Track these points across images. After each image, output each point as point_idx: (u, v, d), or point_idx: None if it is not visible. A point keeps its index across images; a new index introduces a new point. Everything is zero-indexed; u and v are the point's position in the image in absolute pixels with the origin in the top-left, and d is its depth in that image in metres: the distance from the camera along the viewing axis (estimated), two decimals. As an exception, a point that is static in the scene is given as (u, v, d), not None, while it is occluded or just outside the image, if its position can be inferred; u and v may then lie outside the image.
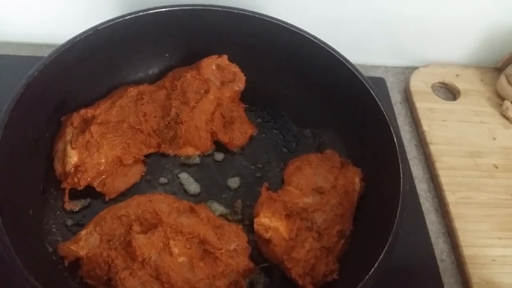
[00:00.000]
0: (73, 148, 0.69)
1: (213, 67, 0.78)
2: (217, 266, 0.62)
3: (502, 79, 0.93)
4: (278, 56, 0.80)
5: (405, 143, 0.87)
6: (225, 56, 0.78)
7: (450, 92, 0.97)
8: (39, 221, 0.67)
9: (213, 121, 0.75)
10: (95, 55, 0.74)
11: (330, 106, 0.78)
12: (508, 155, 0.85)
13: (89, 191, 0.69)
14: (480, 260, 0.73)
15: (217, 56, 0.78)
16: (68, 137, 0.70)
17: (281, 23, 0.77)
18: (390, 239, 0.57)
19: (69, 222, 0.68)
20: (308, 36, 0.76)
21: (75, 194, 0.69)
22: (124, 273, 0.60)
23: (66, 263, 0.63)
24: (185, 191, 0.72)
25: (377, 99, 0.69)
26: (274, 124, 0.82)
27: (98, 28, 0.72)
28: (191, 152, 0.75)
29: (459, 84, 0.96)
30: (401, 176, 0.61)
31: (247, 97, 0.81)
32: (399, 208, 0.59)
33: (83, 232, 0.64)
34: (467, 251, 0.73)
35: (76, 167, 0.68)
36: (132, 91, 0.75)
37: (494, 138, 0.88)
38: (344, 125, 0.77)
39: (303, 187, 0.67)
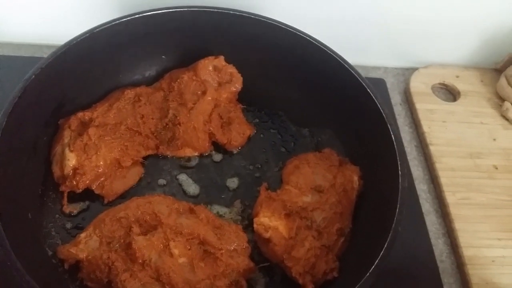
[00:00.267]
0: (71, 151, 0.73)
1: (210, 68, 0.83)
2: (217, 266, 0.66)
3: (502, 80, 1.00)
4: (275, 56, 0.85)
5: (405, 144, 0.93)
6: (222, 57, 0.84)
7: (450, 93, 1.03)
8: (38, 225, 0.71)
9: (210, 122, 0.80)
10: (92, 58, 0.79)
11: (327, 105, 0.84)
12: (508, 156, 0.92)
13: (88, 194, 0.74)
14: (479, 260, 0.78)
15: (213, 57, 0.84)
16: (66, 140, 0.75)
17: (276, 23, 0.82)
18: (389, 237, 0.62)
19: (68, 225, 0.72)
20: (303, 36, 0.81)
21: (74, 197, 0.74)
22: (125, 275, 0.64)
23: (66, 266, 0.67)
24: (184, 192, 0.78)
25: (373, 96, 0.74)
26: (272, 124, 0.87)
27: (95, 31, 0.77)
28: (189, 153, 0.80)
29: (459, 85, 1.02)
30: (400, 173, 0.66)
31: (245, 98, 0.86)
32: (398, 205, 0.64)
33: (83, 235, 0.68)
34: (467, 252, 0.79)
35: (75, 170, 0.73)
36: (129, 93, 0.81)
37: (494, 139, 0.94)
38: (341, 123, 0.82)
39: (302, 186, 0.72)
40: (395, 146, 0.69)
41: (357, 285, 0.59)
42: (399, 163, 0.67)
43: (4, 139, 0.66)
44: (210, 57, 0.84)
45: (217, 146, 0.83)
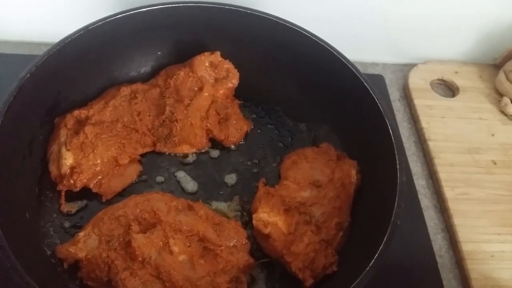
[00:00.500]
0: (68, 150, 0.77)
1: (206, 64, 0.87)
2: (217, 263, 0.70)
3: (501, 76, 1.06)
4: (271, 51, 0.90)
5: (404, 140, 0.99)
6: (218, 53, 0.88)
7: (449, 89, 1.09)
8: (36, 224, 0.75)
9: (208, 118, 0.85)
10: (87, 55, 0.82)
11: (324, 100, 0.88)
12: (507, 151, 0.97)
13: (86, 192, 0.78)
14: (478, 255, 0.83)
15: (210, 53, 0.88)
16: (62, 139, 0.79)
17: (272, 18, 0.86)
18: (388, 230, 0.65)
19: (67, 224, 0.76)
20: (300, 30, 0.85)
21: (71, 196, 0.78)
22: (125, 273, 0.67)
23: (65, 266, 0.71)
24: (183, 189, 0.82)
25: (370, 90, 0.78)
26: (269, 120, 0.92)
27: (89, 28, 0.80)
28: (186, 150, 0.85)
29: (458, 81, 1.08)
30: (398, 167, 0.70)
31: (241, 93, 0.91)
32: (396, 199, 0.68)
33: (81, 234, 0.72)
34: (466, 247, 0.84)
35: (72, 168, 0.76)
36: (125, 90, 0.85)
37: (493, 135, 1.00)
38: (338, 118, 0.87)
39: (300, 181, 0.77)
40: (393, 140, 0.73)
41: (358, 279, 0.62)
42: (397, 156, 0.71)
43: (0, 139, 0.69)
44: (206, 53, 0.88)
45: (215, 142, 0.87)
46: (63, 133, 0.80)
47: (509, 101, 1.03)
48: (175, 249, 0.70)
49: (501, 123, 1.02)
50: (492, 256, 0.84)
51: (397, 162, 0.71)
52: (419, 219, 0.87)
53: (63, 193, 0.77)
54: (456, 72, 1.10)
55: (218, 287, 0.68)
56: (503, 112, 1.04)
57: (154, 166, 0.84)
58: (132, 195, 0.77)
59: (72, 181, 0.76)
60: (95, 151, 0.78)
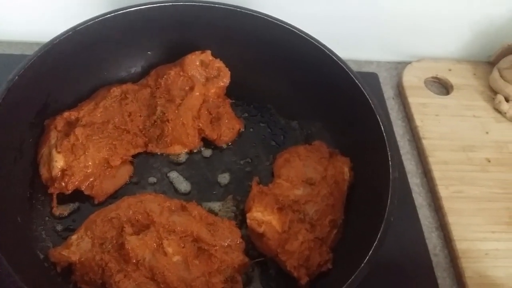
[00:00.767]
0: (58, 152, 0.81)
1: (197, 63, 0.92)
2: (212, 263, 0.74)
3: (495, 73, 1.12)
4: (262, 50, 0.95)
5: (398, 138, 1.04)
6: (209, 52, 0.93)
7: (443, 87, 1.15)
8: (28, 228, 0.78)
9: (199, 118, 0.89)
10: (76, 55, 0.86)
11: (316, 97, 0.93)
12: (501, 149, 1.03)
13: (77, 195, 0.82)
14: (473, 254, 0.88)
15: (200, 52, 0.92)
16: (53, 141, 0.82)
17: (262, 16, 0.90)
18: (382, 226, 0.69)
19: (59, 227, 0.80)
20: (291, 28, 0.90)
21: (63, 199, 0.81)
22: (119, 276, 0.71)
23: (58, 269, 0.75)
24: (176, 189, 0.87)
25: (361, 87, 0.83)
26: (261, 118, 0.98)
27: (78, 28, 0.84)
28: (178, 150, 0.89)
29: (452, 79, 1.14)
30: (390, 163, 0.75)
31: (233, 92, 0.96)
32: (389, 195, 0.72)
33: (74, 237, 0.75)
34: (460, 245, 0.89)
35: (63, 171, 0.80)
36: (116, 91, 0.89)
37: (487, 132, 1.06)
38: (330, 115, 0.92)
39: (293, 179, 0.82)
40: (384, 135, 0.78)
41: (353, 276, 0.66)
42: (389, 153, 0.76)
43: (-12, 142, 0.72)
44: (196, 52, 0.92)
45: (207, 142, 0.92)
46: (53, 135, 0.83)
47: (503, 99, 1.09)
48: (169, 250, 0.74)
49: (495, 120, 1.08)
50: (486, 254, 0.89)
51: (389, 158, 0.76)
52: (414, 218, 0.92)
53: (54, 196, 0.81)
54: (450, 70, 1.16)
55: (213, 287, 0.72)
56: (497, 110, 1.09)
57: (146, 167, 0.88)
58: (124, 196, 0.80)
59: (63, 184, 0.80)
60: (86, 153, 0.82)
